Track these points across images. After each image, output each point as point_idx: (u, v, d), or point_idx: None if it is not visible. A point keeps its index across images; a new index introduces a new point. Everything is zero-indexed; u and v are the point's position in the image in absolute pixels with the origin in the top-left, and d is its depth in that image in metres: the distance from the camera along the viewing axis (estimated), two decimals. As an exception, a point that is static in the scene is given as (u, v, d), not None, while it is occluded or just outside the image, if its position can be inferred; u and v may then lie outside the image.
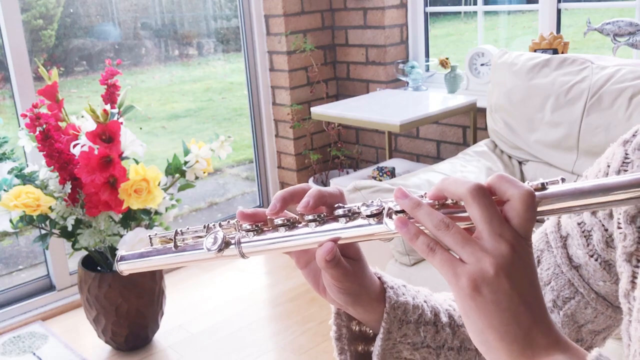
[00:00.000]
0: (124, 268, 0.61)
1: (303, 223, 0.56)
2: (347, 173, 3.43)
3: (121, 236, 2.25)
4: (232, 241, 0.57)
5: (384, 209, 0.53)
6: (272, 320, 2.72)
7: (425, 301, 0.66)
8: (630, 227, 0.59)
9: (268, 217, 0.57)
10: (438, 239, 0.50)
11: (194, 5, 3.76)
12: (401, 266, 2.09)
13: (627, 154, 0.62)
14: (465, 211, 0.50)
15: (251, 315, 2.71)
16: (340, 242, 0.55)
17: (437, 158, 3.15)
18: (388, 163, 3.07)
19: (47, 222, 2.22)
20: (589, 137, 2.17)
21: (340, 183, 2.90)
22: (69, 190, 2.17)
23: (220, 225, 0.58)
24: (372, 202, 0.55)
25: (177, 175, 2.36)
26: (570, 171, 2.26)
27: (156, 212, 2.31)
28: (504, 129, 2.43)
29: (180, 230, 0.59)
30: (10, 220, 2.19)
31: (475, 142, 2.75)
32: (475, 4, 3.13)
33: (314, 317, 2.62)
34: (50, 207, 2.16)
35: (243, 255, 0.57)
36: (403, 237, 0.51)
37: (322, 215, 0.55)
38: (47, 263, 2.89)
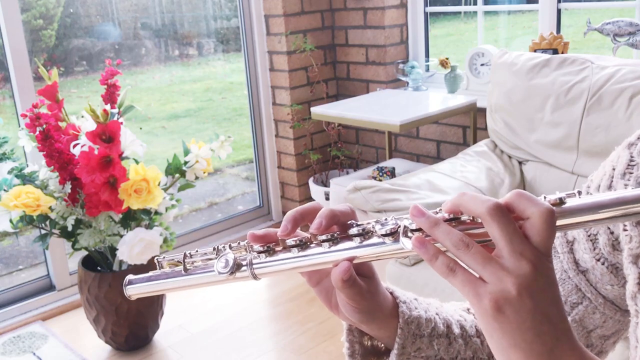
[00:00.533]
0: (132, 292, 0.60)
1: (316, 243, 0.55)
2: (347, 173, 3.43)
3: (121, 236, 2.25)
4: (244, 263, 0.56)
5: (399, 227, 0.52)
6: (272, 320, 2.72)
7: (437, 314, 0.65)
8: (636, 228, 0.59)
9: (279, 238, 0.57)
10: (457, 258, 0.49)
11: (194, 5, 3.76)
12: (401, 266, 2.09)
13: (632, 157, 0.62)
14: (481, 227, 0.50)
15: (251, 315, 2.71)
16: (355, 261, 0.54)
17: (437, 158, 3.15)
18: (388, 163, 3.07)
19: (47, 222, 2.22)
20: (589, 137, 2.17)
21: (340, 183, 2.90)
22: (69, 190, 2.17)
23: (230, 247, 0.57)
24: (387, 219, 0.54)
25: (177, 175, 2.36)
26: (570, 171, 2.26)
27: (156, 212, 2.31)
28: (504, 129, 2.43)
29: (189, 253, 0.58)
30: (10, 220, 2.19)
31: (475, 142, 2.75)
32: (475, 4, 3.13)
33: (314, 317, 2.62)
34: (50, 207, 2.16)
35: (255, 277, 0.56)
36: (421, 257, 0.51)
37: (335, 235, 0.55)
38: (47, 263, 2.89)
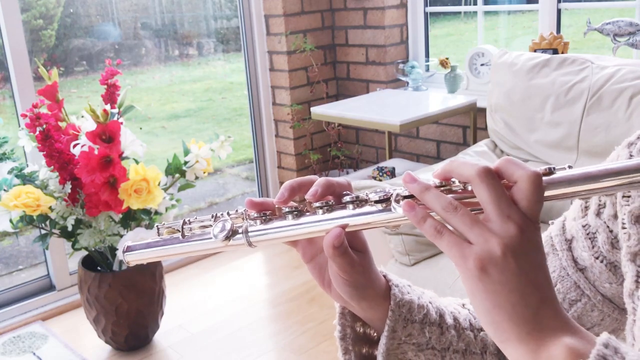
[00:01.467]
0: (131, 259, 0.60)
1: (311, 211, 0.56)
2: (347, 173, 3.43)
3: (121, 236, 2.25)
4: (240, 230, 0.57)
5: (391, 195, 0.53)
6: (272, 320, 2.72)
7: (430, 302, 0.65)
8: (635, 227, 0.59)
9: (276, 206, 0.57)
10: (446, 221, 0.50)
11: (194, 5, 3.76)
12: (401, 266, 2.09)
13: (631, 155, 0.62)
14: (472, 197, 0.50)
15: (251, 315, 2.71)
16: (348, 229, 0.55)
17: (437, 158, 3.15)
18: (388, 163, 3.07)
19: (47, 222, 2.22)
20: (589, 137, 2.17)
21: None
22: (69, 190, 2.17)
23: (228, 214, 0.58)
24: (380, 189, 0.55)
25: (177, 175, 2.36)
26: (570, 171, 2.26)
27: (156, 212, 2.31)
28: (504, 129, 2.43)
29: (188, 220, 0.59)
30: (10, 220, 2.19)
31: (475, 142, 2.75)
32: (475, 4, 3.13)
33: (314, 317, 2.62)
34: (50, 207, 2.16)
35: (250, 244, 0.57)
36: (411, 220, 0.51)
37: (329, 203, 0.55)
38: (47, 263, 2.89)
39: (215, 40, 3.93)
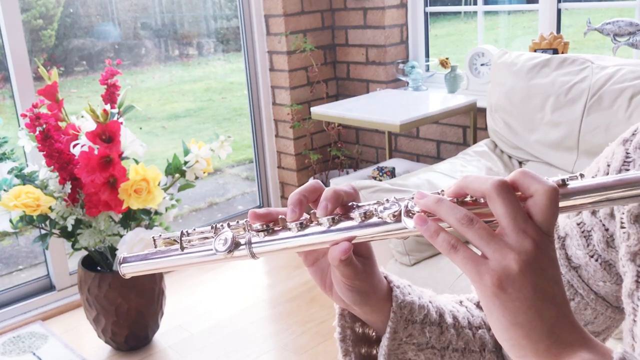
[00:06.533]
0: (127, 271, 0.58)
1: (315, 222, 0.54)
2: (347, 173, 3.43)
3: (121, 236, 2.25)
4: (242, 241, 0.55)
5: (401, 208, 0.52)
6: (272, 320, 2.72)
7: (430, 301, 0.65)
8: (634, 226, 0.59)
9: (279, 217, 0.56)
10: (461, 234, 0.49)
11: (194, 5, 3.76)
12: (401, 266, 2.09)
13: (628, 153, 0.62)
14: (484, 207, 0.50)
15: (251, 315, 2.71)
16: (355, 241, 0.54)
17: (437, 158, 3.15)
18: (388, 163, 3.07)
19: (47, 222, 2.22)
20: (589, 137, 2.17)
21: (340, 183, 2.90)
22: (69, 190, 2.17)
23: (228, 226, 0.56)
24: (387, 200, 0.53)
25: (177, 175, 2.36)
26: (571, 171, 2.27)
27: (156, 212, 2.31)
28: (504, 129, 2.43)
29: (186, 231, 0.57)
30: (10, 220, 2.19)
31: (475, 142, 2.75)
32: (475, 4, 3.13)
33: (314, 317, 2.62)
34: (50, 207, 2.16)
35: (254, 256, 0.55)
36: (423, 235, 0.50)
37: (335, 217, 0.54)
38: (47, 263, 2.89)
39: (215, 40, 3.93)
